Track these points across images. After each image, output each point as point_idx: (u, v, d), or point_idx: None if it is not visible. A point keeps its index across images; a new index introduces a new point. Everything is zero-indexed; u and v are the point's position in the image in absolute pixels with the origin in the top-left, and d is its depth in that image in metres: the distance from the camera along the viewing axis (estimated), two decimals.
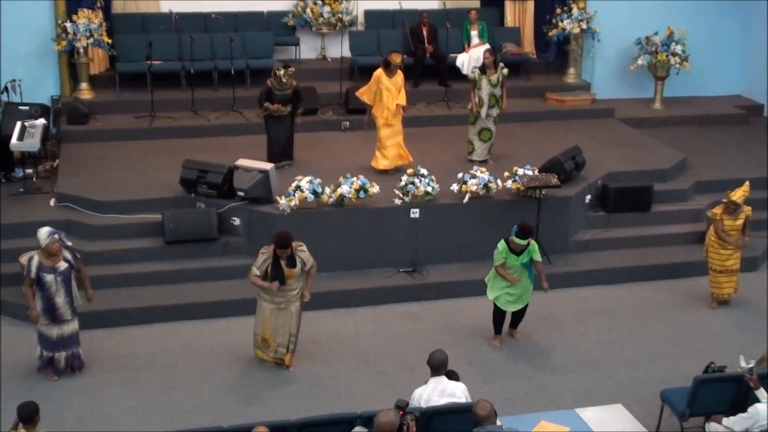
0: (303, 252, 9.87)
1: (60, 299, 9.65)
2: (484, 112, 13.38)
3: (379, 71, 12.92)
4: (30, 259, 9.60)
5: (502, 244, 10.33)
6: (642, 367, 10.49)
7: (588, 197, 13.26)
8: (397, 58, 12.86)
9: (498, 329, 10.91)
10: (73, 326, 9.85)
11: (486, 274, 10.74)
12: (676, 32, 16.64)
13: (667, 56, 16.55)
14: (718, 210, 11.58)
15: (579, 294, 12.21)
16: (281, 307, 9.98)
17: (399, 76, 12.95)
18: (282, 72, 12.97)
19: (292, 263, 9.77)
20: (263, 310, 10.03)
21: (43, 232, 9.57)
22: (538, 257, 10.40)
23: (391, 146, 13.07)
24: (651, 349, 10.89)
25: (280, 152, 13.25)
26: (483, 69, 13.47)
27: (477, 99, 13.36)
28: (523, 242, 10.18)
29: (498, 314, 10.80)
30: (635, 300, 12.12)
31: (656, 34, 16.74)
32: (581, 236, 12.98)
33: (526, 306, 10.77)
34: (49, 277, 9.56)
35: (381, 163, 13.17)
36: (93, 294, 9.95)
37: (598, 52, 17.17)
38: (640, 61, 16.75)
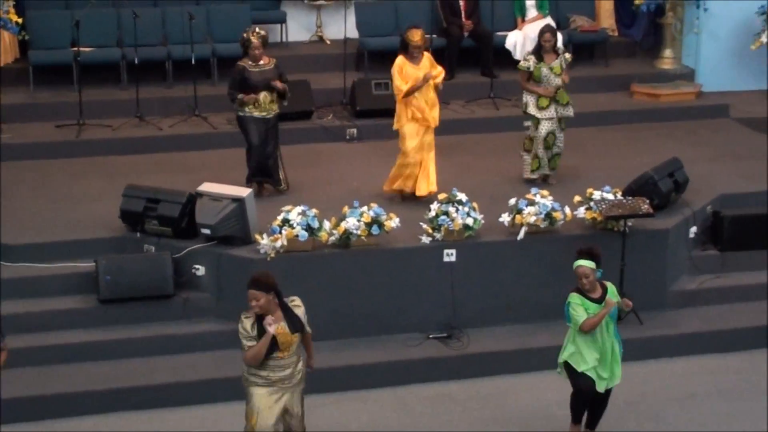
0: (299, 308, 9.43)
1: None
2: (549, 113, 13.55)
3: (400, 59, 13.00)
4: None
5: (574, 296, 10.10)
6: None
7: (693, 230, 13.28)
8: (415, 36, 12.89)
9: (578, 416, 10.51)
10: None
11: (559, 343, 10.37)
12: None
13: None
14: None
15: (682, 367, 12.21)
16: (285, 386, 9.38)
17: (426, 58, 13.04)
18: (252, 34, 13.01)
19: (295, 325, 9.30)
20: (256, 398, 9.35)
21: None
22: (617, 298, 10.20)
23: (411, 165, 13.12)
24: None
25: (270, 169, 13.32)
26: (539, 53, 13.61)
27: (536, 98, 13.52)
28: (588, 264, 9.98)
29: (583, 394, 10.34)
30: (762, 375, 12.04)
31: None
32: (684, 285, 13.03)
33: (610, 392, 10.45)
34: None
35: (396, 183, 13.28)
36: None
37: (705, 26, 17.26)
38: (764, 39, 16.78)
